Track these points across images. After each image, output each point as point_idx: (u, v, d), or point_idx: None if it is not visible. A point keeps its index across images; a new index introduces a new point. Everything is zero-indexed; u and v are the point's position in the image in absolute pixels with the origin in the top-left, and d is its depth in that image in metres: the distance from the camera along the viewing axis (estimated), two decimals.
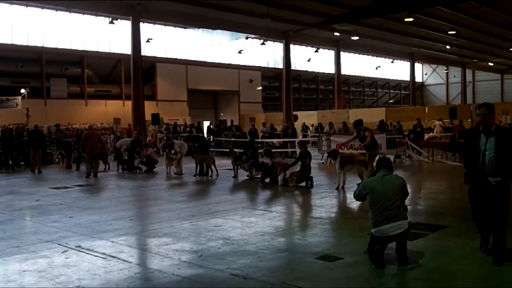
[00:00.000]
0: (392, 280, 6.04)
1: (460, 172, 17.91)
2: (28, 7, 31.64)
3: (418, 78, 64.94)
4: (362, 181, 12.73)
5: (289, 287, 5.67)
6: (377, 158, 11.95)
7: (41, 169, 20.06)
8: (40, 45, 32.66)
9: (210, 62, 42.29)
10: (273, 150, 18.48)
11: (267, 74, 47.90)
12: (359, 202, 11.56)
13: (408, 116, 34.40)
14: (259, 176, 15.98)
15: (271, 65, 47.95)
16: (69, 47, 34.06)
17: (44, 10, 32.25)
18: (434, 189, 13.91)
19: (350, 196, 12.57)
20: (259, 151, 18.37)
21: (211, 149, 25.71)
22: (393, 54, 55.19)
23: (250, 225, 9.06)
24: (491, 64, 60.04)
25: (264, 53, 47.23)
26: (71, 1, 29.72)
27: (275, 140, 28.16)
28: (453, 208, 10.92)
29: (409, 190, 6.98)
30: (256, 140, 22.57)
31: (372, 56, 57.00)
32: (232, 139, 27.16)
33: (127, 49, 33.51)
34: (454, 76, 65.99)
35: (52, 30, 33.12)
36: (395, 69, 61.58)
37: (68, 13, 33.29)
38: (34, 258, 7.05)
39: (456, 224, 8.94)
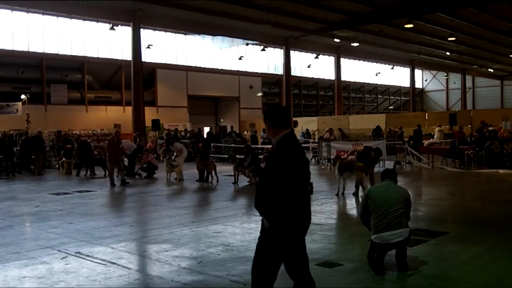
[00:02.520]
0: (392, 287, 6.03)
1: (460, 178, 17.91)
2: (29, 13, 31.71)
3: (418, 84, 64.98)
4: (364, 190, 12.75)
5: None
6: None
7: (41, 172, 21.82)
8: (40, 51, 32.69)
9: (210, 68, 42.32)
10: None
11: (268, 80, 47.91)
12: (358, 208, 11.57)
13: (408, 122, 34.41)
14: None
15: (271, 71, 47.97)
16: (69, 53, 34.09)
17: (45, 16, 32.31)
18: (434, 195, 13.90)
19: (350, 202, 12.59)
20: (259, 157, 18.39)
21: (211, 155, 25.73)
22: (393, 60, 55.28)
23: (250, 231, 9.05)
24: (491, 70, 60.13)
25: (265, 59, 47.27)
26: (72, 7, 29.80)
27: None
28: (453, 214, 10.92)
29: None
30: (256, 146, 22.62)
31: (372, 62, 57.06)
32: (232, 145, 27.16)
33: (127, 55, 33.58)
34: (454, 82, 66.03)
35: (53, 36, 33.16)
36: (395, 75, 61.62)
37: (68, 19, 33.36)
38: (34, 264, 7.04)
39: (456, 230, 8.93)
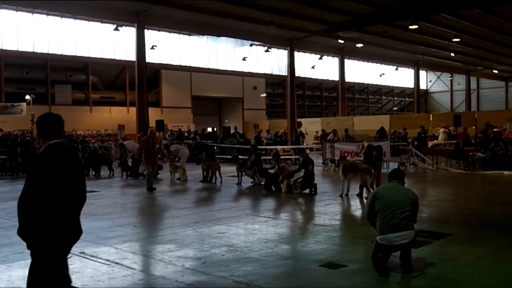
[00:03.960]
0: None
1: (465, 179, 17.85)
2: (34, 14, 31.81)
3: (423, 86, 64.86)
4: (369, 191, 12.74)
5: None
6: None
7: None
8: (45, 51, 32.81)
9: (214, 69, 42.39)
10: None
11: (271, 81, 47.95)
12: (362, 209, 11.57)
13: (413, 123, 34.37)
14: (263, 183, 15.98)
15: (275, 72, 48.00)
16: (74, 54, 34.21)
17: (49, 17, 32.42)
18: (438, 196, 13.87)
19: (354, 203, 12.58)
20: (264, 157, 18.39)
21: (216, 156, 25.81)
22: (397, 61, 55.16)
23: (253, 232, 9.05)
24: (496, 71, 59.88)
25: (268, 60, 47.31)
26: (76, 8, 29.85)
27: (279, 147, 28.17)
28: (457, 215, 10.89)
29: None
30: (259, 146, 22.63)
31: (376, 63, 56.99)
32: (236, 145, 27.18)
33: (131, 56, 33.65)
34: (459, 84, 65.86)
35: (57, 36, 33.28)
36: (399, 77, 61.54)
37: (73, 20, 33.46)
38: None
39: (460, 232, 8.91)
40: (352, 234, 9.12)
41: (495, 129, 25.62)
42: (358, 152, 20.11)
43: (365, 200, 12.49)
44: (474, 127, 30.03)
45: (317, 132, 37.41)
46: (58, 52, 33.44)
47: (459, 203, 13.00)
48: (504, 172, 19.09)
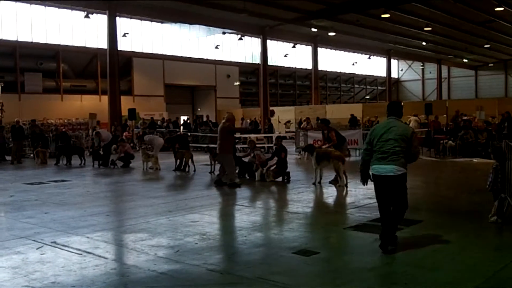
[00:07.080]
0: (368, 274, 6.10)
1: (435, 167, 18.06)
2: (1, 0, 31.04)
3: (394, 74, 65.54)
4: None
5: (265, 281, 5.69)
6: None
7: (20, 161, 21.97)
8: (14, 39, 32.12)
9: (187, 57, 42.08)
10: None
11: (245, 69, 47.84)
12: (335, 197, 11.70)
13: (385, 112, 34.55)
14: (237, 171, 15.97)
15: (249, 60, 47.89)
16: (44, 41, 33.57)
17: (18, 3, 31.70)
18: (408, 184, 13.98)
19: (326, 191, 12.68)
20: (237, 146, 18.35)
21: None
22: (370, 50, 55.61)
23: (227, 220, 9.06)
24: (466, 60, 60.86)
25: (242, 48, 47.16)
26: None
27: (252, 136, 28.18)
28: (428, 203, 11.06)
29: None
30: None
31: (349, 52, 57.33)
32: (209, 134, 27.08)
33: (103, 44, 33.18)
34: (430, 72, 66.70)
35: (27, 23, 32.60)
36: (371, 65, 62.05)
37: (43, 6, 32.80)
38: (8, 255, 6.95)
39: (430, 219, 9.06)
40: (324, 222, 9.19)
41: (465, 117, 26.07)
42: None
43: (338, 188, 12.65)
44: (445, 116, 30.52)
45: (289, 121, 37.61)
46: (28, 39, 32.78)
47: (429, 190, 13.21)
48: (474, 159, 19.44)
